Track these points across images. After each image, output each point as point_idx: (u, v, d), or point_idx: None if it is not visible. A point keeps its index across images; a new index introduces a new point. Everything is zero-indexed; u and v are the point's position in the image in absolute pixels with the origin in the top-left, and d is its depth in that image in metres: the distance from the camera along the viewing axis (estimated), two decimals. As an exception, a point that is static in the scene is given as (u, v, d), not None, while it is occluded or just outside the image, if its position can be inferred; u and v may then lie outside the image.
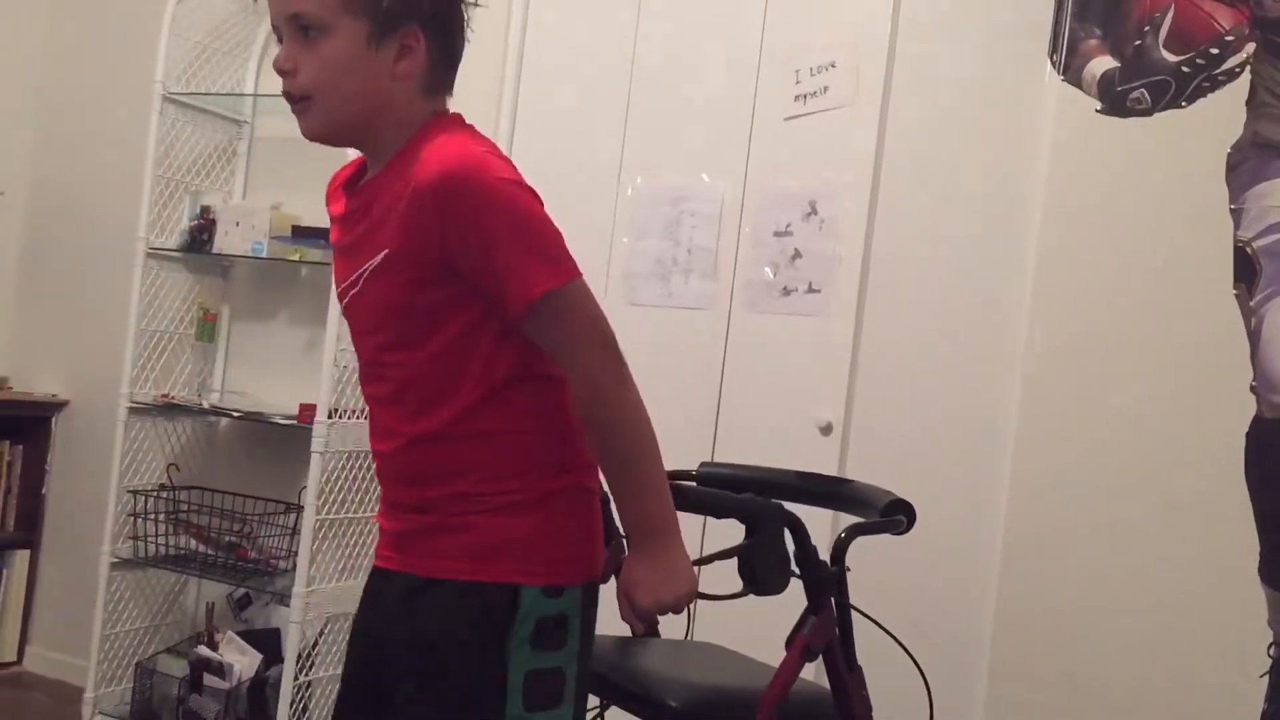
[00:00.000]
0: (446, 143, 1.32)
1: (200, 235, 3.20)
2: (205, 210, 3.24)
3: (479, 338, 1.35)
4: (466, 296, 1.33)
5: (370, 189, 1.38)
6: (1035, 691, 2.25)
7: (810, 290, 2.53)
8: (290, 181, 3.25)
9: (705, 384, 2.64)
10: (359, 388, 1.63)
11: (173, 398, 3.18)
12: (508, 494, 1.35)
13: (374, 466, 1.45)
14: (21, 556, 3.58)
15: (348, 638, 1.53)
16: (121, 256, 3.23)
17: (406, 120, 1.36)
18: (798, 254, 2.55)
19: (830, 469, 2.47)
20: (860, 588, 2.43)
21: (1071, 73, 2.28)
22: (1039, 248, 2.30)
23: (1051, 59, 2.31)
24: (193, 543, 3.09)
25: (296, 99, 1.33)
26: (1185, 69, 2.18)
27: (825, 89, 2.53)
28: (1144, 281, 2.21)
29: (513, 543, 1.34)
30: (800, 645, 1.62)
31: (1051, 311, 2.29)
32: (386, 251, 1.33)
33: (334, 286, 1.47)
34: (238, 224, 3.12)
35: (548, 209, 1.43)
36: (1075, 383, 2.26)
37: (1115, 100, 2.24)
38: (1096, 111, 2.25)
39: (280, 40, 1.34)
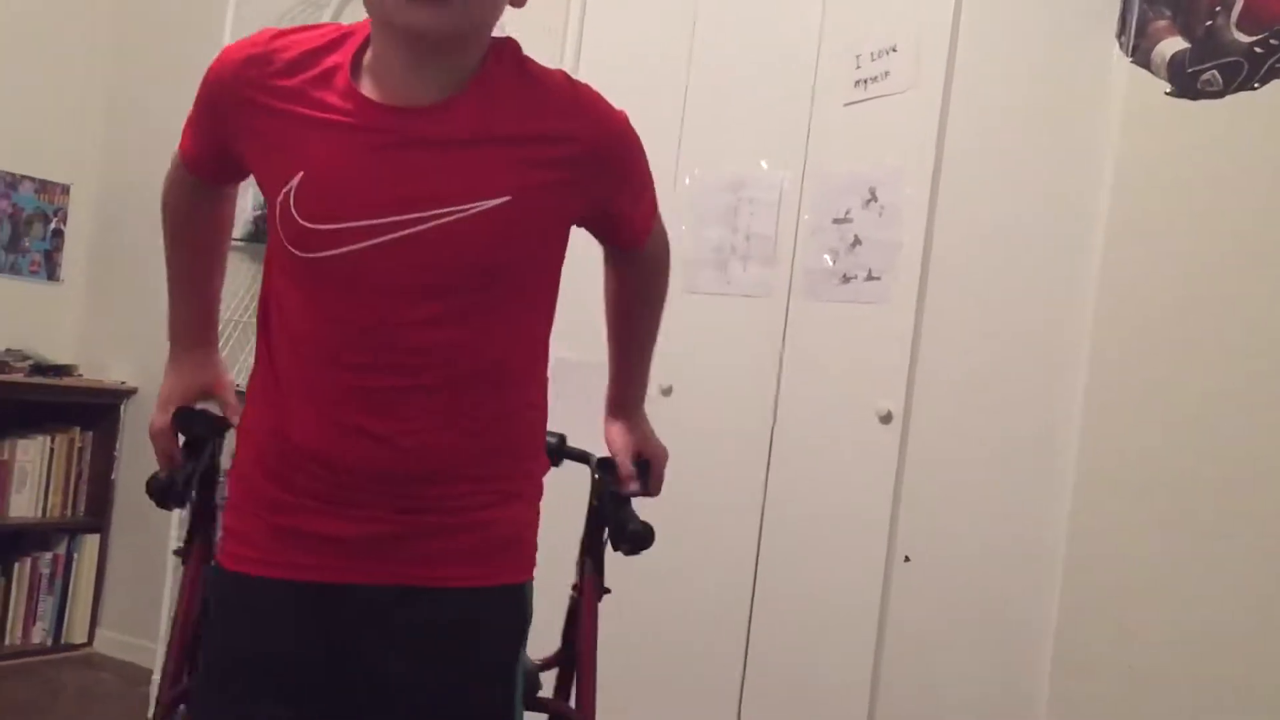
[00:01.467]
0: (575, 82, 1.25)
1: (264, 225, 3.24)
2: (269, 200, 3.28)
3: (551, 295, 1.25)
4: (561, 249, 1.24)
5: (449, 106, 1.15)
6: (1099, 684, 2.22)
7: (870, 277, 2.51)
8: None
9: (763, 372, 2.63)
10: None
11: (239, 386, 3.22)
12: (522, 479, 1.26)
13: (283, 455, 1.21)
14: (91, 541, 3.67)
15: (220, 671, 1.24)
16: (187, 246, 3.28)
17: (488, 39, 1.21)
18: (857, 241, 2.53)
19: (890, 458, 2.45)
20: (925, 577, 2.41)
21: (1140, 55, 2.23)
22: (1106, 234, 2.26)
23: (1119, 40, 2.26)
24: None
25: None
26: (1258, 50, 2.12)
27: (886, 74, 2.50)
28: (1215, 269, 2.16)
29: (521, 536, 1.26)
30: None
31: (1118, 299, 2.25)
32: (509, 198, 1.14)
33: (302, 220, 1.15)
34: (300, 214, 3.16)
35: None
36: (1143, 371, 2.22)
37: (1185, 83, 2.19)
38: (1166, 94, 2.20)
39: None
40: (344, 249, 1.13)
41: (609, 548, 1.52)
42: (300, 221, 1.14)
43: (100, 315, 3.77)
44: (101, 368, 3.70)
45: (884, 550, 2.45)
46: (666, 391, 2.67)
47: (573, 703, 1.49)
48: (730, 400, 2.66)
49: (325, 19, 3.37)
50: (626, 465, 1.45)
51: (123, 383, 3.66)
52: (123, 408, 3.67)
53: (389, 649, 1.18)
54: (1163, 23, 2.22)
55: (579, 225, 1.29)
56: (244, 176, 1.33)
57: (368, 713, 1.19)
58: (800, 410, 2.59)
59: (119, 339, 3.70)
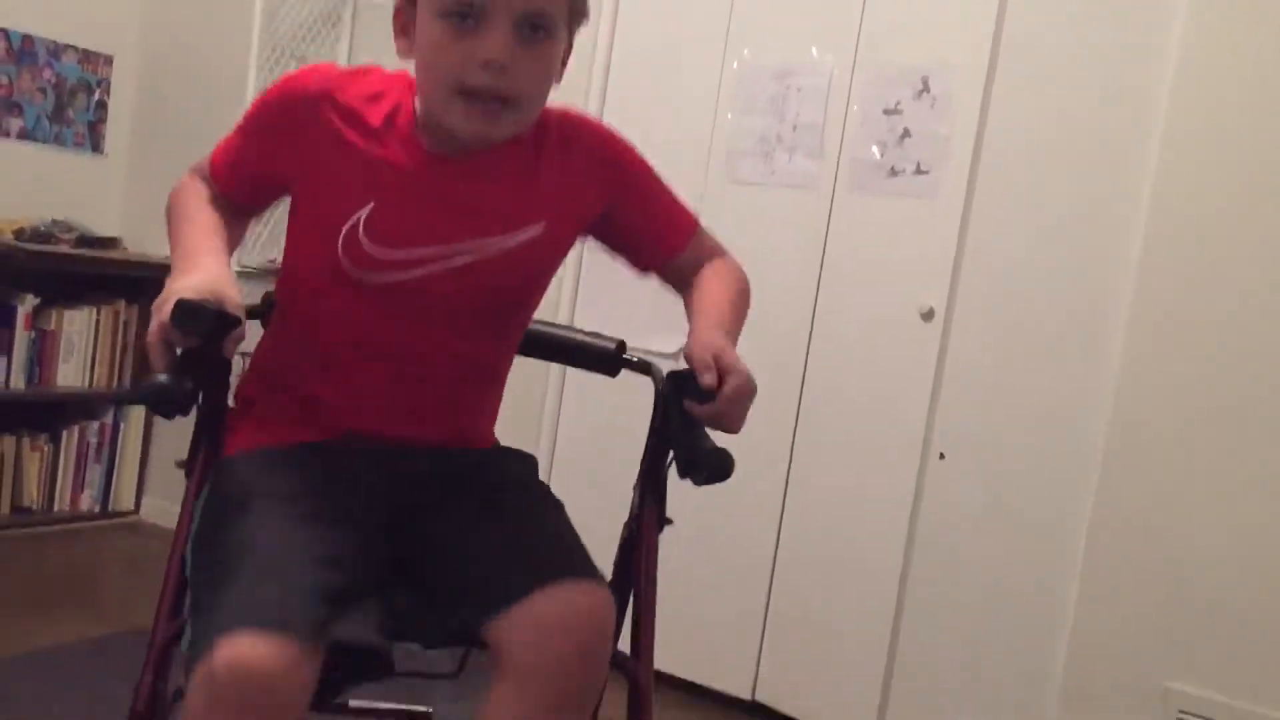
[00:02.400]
0: (578, 114, 1.39)
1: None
2: (311, 76, 3.25)
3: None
4: (571, 246, 1.41)
5: (491, 152, 1.30)
6: (1128, 582, 2.23)
7: (918, 171, 2.46)
8: (392, 48, 3.23)
9: (805, 264, 2.60)
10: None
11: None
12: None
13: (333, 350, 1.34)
14: (137, 411, 3.73)
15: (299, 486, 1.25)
16: (230, 121, 3.24)
17: None
18: (907, 133, 2.48)
19: (930, 355, 2.43)
20: (959, 474, 2.42)
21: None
22: (1164, 139, 2.20)
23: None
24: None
25: (500, 100, 1.24)
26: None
27: (945, -41, 2.42)
28: (1276, 158, 2.11)
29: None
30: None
31: (1173, 194, 2.20)
32: (543, 224, 1.33)
33: (371, 247, 1.29)
34: (342, 91, 3.13)
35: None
36: (1194, 266, 2.18)
37: (1258, -24, 2.10)
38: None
39: (460, 16, 1.22)
40: (408, 274, 1.29)
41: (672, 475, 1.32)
42: (369, 248, 1.28)
43: (144, 188, 3.77)
44: (144, 241, 3.72)
45: (919, 447, 2.46)
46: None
47: (625, 647, 1.30)
48: (768, 293, 2.63)
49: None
50: (705, 359, 1.23)
51: (167, 256, 3.67)
52: (166, 280, 3.70)
53: (441, 490, 1.31)
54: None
55: (606, 250, 1.44)
56: (272, 203, 1.42)
57: (431, 551, 1.28)
58: (840, 305, 2.57)
59: (162, 212, 3.71)
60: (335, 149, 1.29)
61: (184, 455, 1.37)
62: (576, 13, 1.31)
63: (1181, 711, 2.17)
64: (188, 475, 1.35)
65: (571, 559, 1.25)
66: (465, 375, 1.38)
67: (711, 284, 1.39)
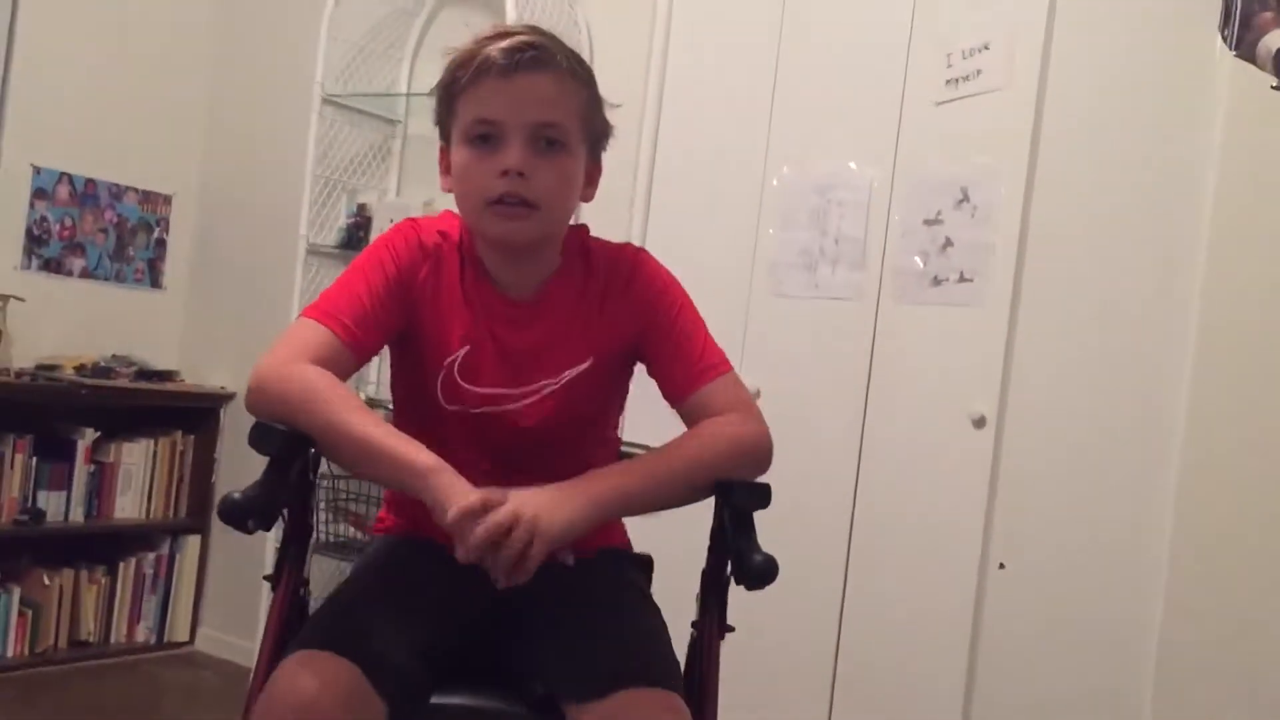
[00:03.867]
0: (633, 254, 1.53)
1: (357, 232, 3.30)
2: (361, 207, 3.34)
3: (622, 401, 1.62)
4: (627, 379, 1.58)
5: (546, 296, 1.49)
6: (1206, 690, 2.15)
7: (962, 279, 2.47)
8: (436, 177, 3.31)
9: (853, 376, 2.60)
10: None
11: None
12: None
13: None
14: (193, 542, 3.76)
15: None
16: (284, 254, 3.36)
17: (565, 235, 1.51)
18: (949, 242, 2.49)
19: (984, 463, 2.40)
20: (1020, 585, 2.36)
21: (1244, 48, 2.16)
22: (1211, 233, 2.19)
23: (1222, 34, 2.19)
24: (352, 530, 3.19)
25: (523, 203, 1.39)
26: (1371, 40, 2.04)
27: (978, 72, 2.46)
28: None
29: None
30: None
31: (1223, 301, 2.18)
32: (590, 361, 1.48)
33: (463, 384, 1.48)
34: (392, 220, 3.19)
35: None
36: (1249, 372, 2.15)
37: (1293, 75, 2.12)
38: (1272, 89, 2.13)
39: (483, 139, 1.40)
40: (489, 408, 1.46)
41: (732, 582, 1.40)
42: (462, 385, 1.46)
43: (200, 321, 3.87)
44: (202, 373, 3.80)
45: (977, 557, 2.41)
46: (754, 396, 2.65)
47: None
48: (819, 405, 2.64)
49: (415, 28, 3.43)
50: (480, 502, 1.26)
51: (222, 387, 3.74)
52: (222, 411, 3.76)
53: (541, 596, 1.35)
54: (1268, 15, 2.14)
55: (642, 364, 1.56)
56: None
57: (522, 638, 1.39)
58: (891, 415, 2.55)
59: (218, 345, 3.79)
60: (437, 294, 1.46)
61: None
62: (595, 131, 1.46)
63: (1269, 830, 2.07)
64: (274, 589, 1.44)
65: (657, 667, 1.32)
66: None
67: (683, 440, 1.44)
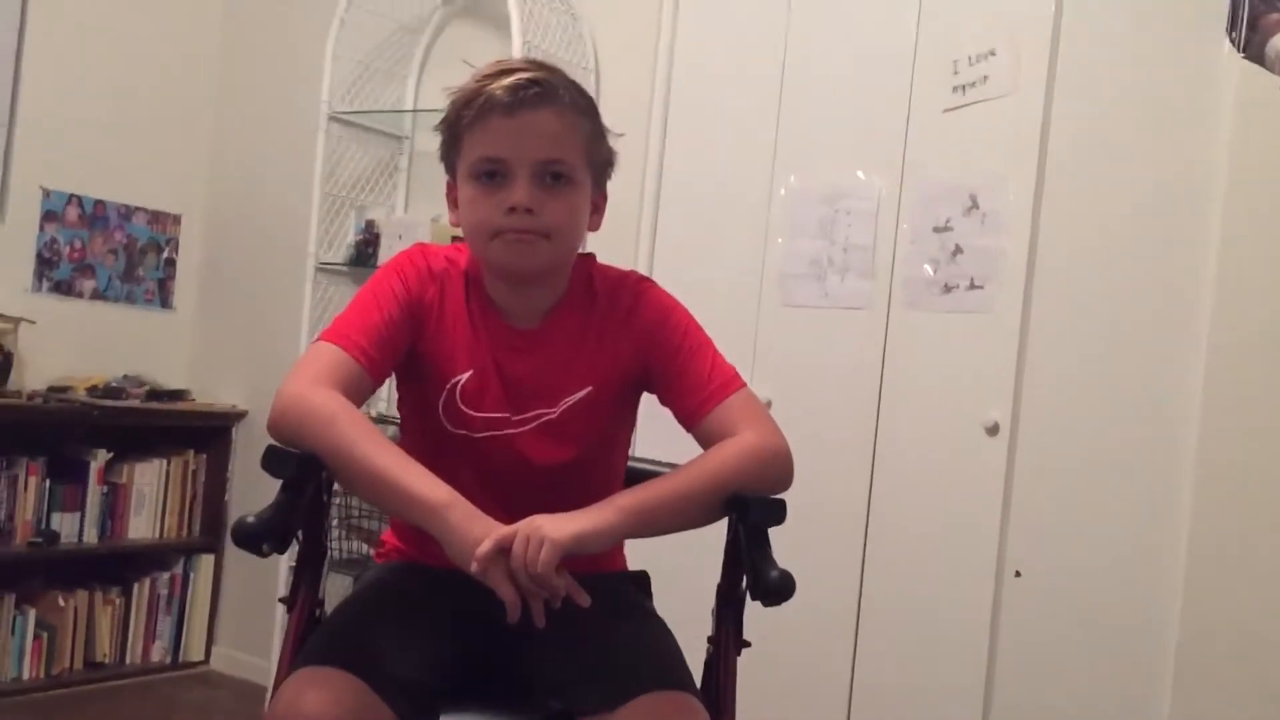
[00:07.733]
0: (635, 282, 1.54)
1: (365, 249, 3.30)
2: (370, 224, 3.34)
3: (630, 427, 1.60)
4: (634, 406, 1.57)
5: (549, 325, 1.49)
6: (1223, 699, 2.13)
7: (973, 286, 2.46)
8: (443, 192, 3.32)
9: (865, 385, 2.59)
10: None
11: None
12: None
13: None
14: (206, 561, 3.76)
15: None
16: (293, 272, 3.36)
17: (572, 264, 1.53)
18: (958, 250, 2.48)
19: (998, 471, 2.39)
20: (1037, 592, 2.35)
21: (1253, 49, 2.16)
22: (1221, 237, 2.18)
23: (1230, 36, 2.18)
24: (364, 547, 3.18)
25: (536, 234, 1.41)
26: (1380, 39, 2.04)
27: (985, 78, 2.45)
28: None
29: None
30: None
31: (1235, 302, 2.16)
32: (591, 388, 1.48)
33: (465, 408, 1.48)
34: (400, 237, 3.21)
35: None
36: (1262, 375, 2.14)
37: (1301, 76, 2.11)
38: (1281, 89, 2.12)
39: (489, 176, 1.42)
40: (492, 432, 1.47)
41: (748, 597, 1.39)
42: (463, 409, 1.47)
43: (210, 341, 3.88)
44: (213, 392, 3.80)
45: (993, 565, 2.39)
46: (766, 407, 2.65)
47: None
48: (831, 415, 2.63)
49: (420, 44, 3.43)
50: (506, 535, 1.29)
51: (234, 406, 3.75)
52: (234, 430, 3.76)
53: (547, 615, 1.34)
54: (1276, 16, 2.14)
55: (651, 393, 1.56)
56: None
57: (529, 657, 1.39)
58: (903, 423, 2.54)
59: (229, 363, 3.80)
60: (442, 320, 1.48)
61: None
62: (599, 162, 1.47)
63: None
64: (289, 610, 1.45)
65: (672, 672, 1.33)
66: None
67: (703, 458, 1.44)
